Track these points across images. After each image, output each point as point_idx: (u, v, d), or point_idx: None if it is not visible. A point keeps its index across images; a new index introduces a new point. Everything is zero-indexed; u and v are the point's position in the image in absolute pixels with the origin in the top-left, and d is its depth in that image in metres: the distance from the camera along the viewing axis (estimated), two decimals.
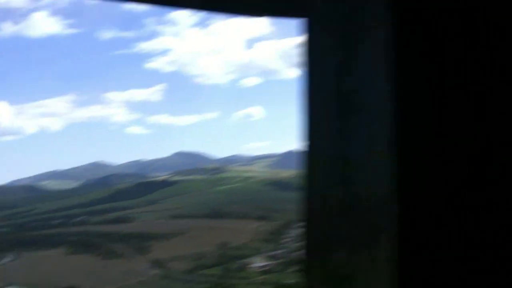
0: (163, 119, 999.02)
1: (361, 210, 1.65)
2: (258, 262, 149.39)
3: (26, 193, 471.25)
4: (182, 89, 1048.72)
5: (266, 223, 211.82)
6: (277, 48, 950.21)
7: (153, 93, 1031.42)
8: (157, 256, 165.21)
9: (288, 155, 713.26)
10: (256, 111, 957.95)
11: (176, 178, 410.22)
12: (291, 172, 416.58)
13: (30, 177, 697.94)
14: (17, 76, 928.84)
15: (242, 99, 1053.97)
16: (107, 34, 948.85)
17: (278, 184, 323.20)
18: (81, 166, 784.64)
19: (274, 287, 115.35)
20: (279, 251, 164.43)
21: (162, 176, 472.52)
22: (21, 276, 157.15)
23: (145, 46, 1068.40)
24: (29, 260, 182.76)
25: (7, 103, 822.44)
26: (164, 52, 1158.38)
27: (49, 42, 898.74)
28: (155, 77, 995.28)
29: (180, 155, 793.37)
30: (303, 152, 2.14)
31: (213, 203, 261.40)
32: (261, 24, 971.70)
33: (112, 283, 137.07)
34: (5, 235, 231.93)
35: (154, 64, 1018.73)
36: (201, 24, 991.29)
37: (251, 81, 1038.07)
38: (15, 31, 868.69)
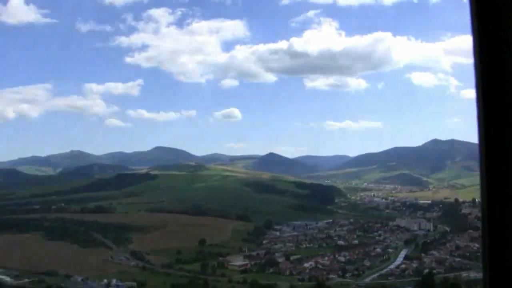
0: (142, 113, 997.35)
1: None
2: (237, 261, 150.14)
3: (5, 177, 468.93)
4: (160, 85, 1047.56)
5: (245, 223, 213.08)
6: (254, 52, 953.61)
7: (131, 88, 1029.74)
8: (136, 248, 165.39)
9: (266, 157, 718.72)
10: (234, 112, 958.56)
11: (156, 172, 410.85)
12: (269, 174, 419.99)
13: (8, 161, 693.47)
14: None
15: (220, 100, 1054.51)
16: (85, 26, 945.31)
17: (257, 185, 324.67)
18: (60, 154, 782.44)
19: (252, 287, 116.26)
20: (258, 251, 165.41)
21: (142, 169, 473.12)
22: None
23: (124, 40, 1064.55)
24: (7, 243, 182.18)
25: None
26: (143, 48, 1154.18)
27: (27, 29, 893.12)
28: (133, 72, 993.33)
29: (160, 149, 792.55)
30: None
31: (192, 199, 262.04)
32: (239, 28, 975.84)
33: (90, 270, 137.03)
34: None
35: (132, 59, 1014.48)
36: (180, 23, 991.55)
37: (229, 83, 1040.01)
38: None
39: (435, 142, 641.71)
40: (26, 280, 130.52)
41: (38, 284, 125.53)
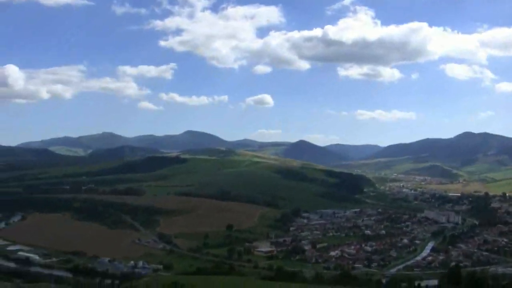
0: (174, 97, 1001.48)
1: None
2: (263, 247, 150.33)
3: (37, 156, 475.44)
4: (193, 69, 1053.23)
5: (273, 209, 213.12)
6: (288, 38, 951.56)
7: (164, 71, 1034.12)
8: (163, 231, 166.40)
9: (297, 145, 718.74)
10: (266, 99, 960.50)
11: (186, 156, 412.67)
12: (299, 161, 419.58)
13: (41, 141, 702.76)
14: (28, 42, 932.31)
15: (252, 86, 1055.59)
16: (120, 9, 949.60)
17: (286, 172, 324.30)
18: (92, 135, 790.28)
19: (277, 273, 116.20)
20: (284, 238, 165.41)
21: (172, 153, 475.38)
22: (28, 236, 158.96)
23: (159, 24, 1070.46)
24: (37, 222, 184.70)
25: (16, 67, 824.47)
26: (177, 32, 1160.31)
27: (63, 11, 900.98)
28: (167, 55, 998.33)
29: (190, 133, 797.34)
30: None
31: (221, 184, 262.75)
32: (274, 14, 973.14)
33: (117, 252, 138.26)
34: (14, 195, 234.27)
35: (166, 42, 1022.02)
36: (215, 7, 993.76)
37: (262, 69, 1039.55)
38: None
39: (467, 135, 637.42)
40: (54, 259, 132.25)
41: (66, 263, 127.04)
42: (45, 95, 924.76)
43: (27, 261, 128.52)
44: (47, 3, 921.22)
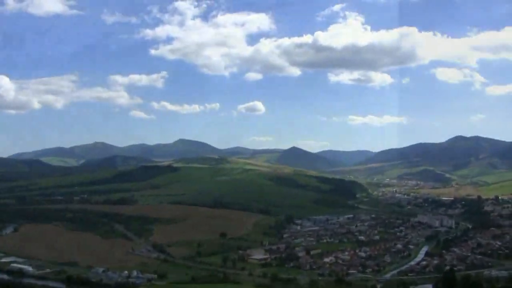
0: (165, 106, 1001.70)
1: None
2: (257, 254, 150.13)
3: (29, 167, 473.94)
4: (184, 78, 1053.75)
5: (266, 217, 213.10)
6: (279, 45, 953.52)
7: (155, 80, 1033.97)
8: (157, 240, 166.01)
9: (289, 151, 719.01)
10: (257, 106, 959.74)
11: (179, 164, 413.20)
12: (291, 168, 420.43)
13: (33, 152, 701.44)
14: (18, 52, 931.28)
15: (244, 93, 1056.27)
16: (111, 18, 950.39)
17: (279, 179, 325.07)
18: (84, 145, 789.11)
19: (272, 281, 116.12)
20: (278, 245, 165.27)
21: (165, 161, 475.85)
22: (20, 247, 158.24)
23: (149, 33, 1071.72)
24: (30, 233, 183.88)
25: (6, 77, 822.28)
26: (167, 40, 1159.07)
27: (53, 20, 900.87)
28: (158, 64, 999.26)
29: (183, 142, 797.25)
30: None
31: (214, 192, 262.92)
32: (264, 21, 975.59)
33: (111, 262, 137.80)
34: (7, 207, 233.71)
35: (157, 51, 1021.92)
36: (205, 15, 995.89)
37: (253, 76, 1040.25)
38: (19, 7, 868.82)
39: (459, 138, 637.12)
40: (47, 270, 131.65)
41: (59, 274, 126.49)
42: (36, 105, 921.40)
43: (20, 273, 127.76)
44: (36, 13, 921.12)
